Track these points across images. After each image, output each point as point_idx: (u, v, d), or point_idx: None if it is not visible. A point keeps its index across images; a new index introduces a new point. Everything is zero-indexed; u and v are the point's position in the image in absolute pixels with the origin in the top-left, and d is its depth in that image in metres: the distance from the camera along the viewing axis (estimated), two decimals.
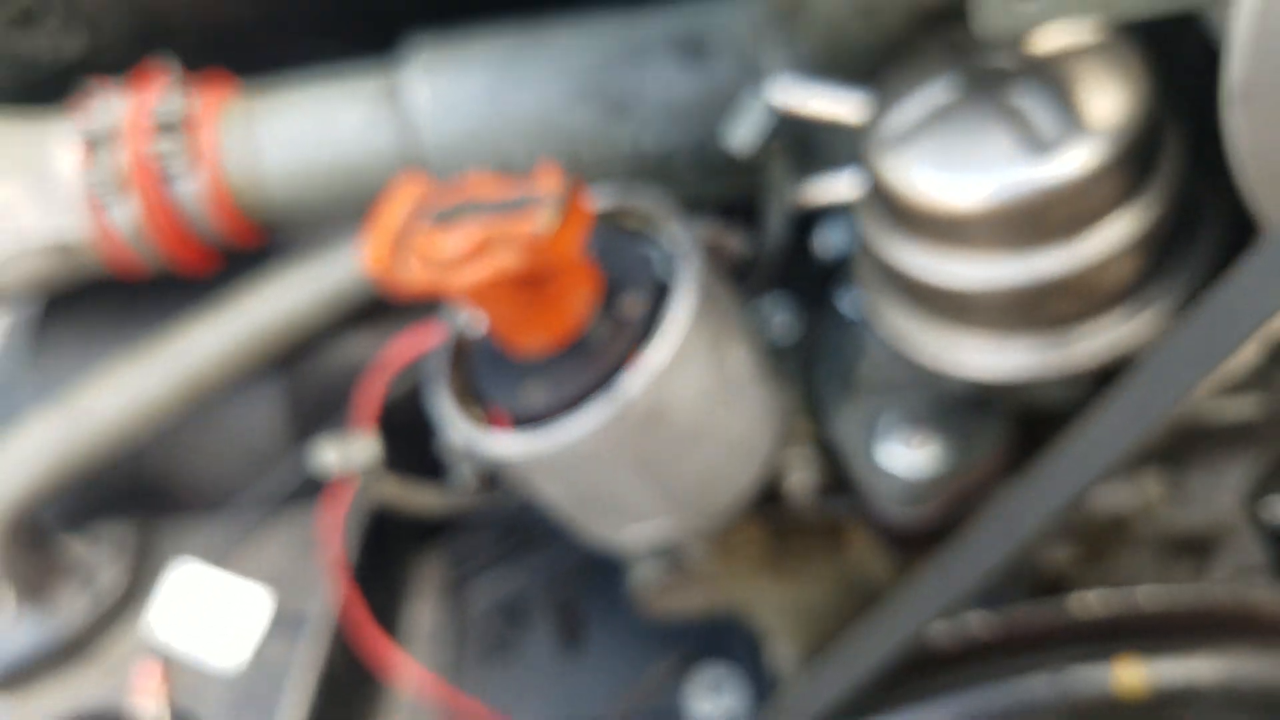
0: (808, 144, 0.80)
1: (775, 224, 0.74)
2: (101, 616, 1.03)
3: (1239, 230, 0.60)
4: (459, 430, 0.68)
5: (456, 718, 1.07)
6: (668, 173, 0.89)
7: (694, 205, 0.83)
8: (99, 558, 1.05)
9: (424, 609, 1.20)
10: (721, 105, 0.81)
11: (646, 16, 0.89)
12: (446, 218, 0.61)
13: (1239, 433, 0.84)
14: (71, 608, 1.02)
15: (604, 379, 0.64)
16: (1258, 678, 0.71)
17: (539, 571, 1.24)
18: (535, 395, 0.66)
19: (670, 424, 0.65)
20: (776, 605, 0.93)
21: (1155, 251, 0.60)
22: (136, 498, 1.13)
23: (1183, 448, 0.86)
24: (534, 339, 0.66)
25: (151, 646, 1.02)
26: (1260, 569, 1.11)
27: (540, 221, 0.57)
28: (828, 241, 0.85)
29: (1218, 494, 0.90)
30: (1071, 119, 0.56)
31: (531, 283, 0.61)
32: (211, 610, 1.03)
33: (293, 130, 0.87)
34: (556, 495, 0.71)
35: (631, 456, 0.66)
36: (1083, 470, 0.54)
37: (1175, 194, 0.59)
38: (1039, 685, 0.70)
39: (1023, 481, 0.58)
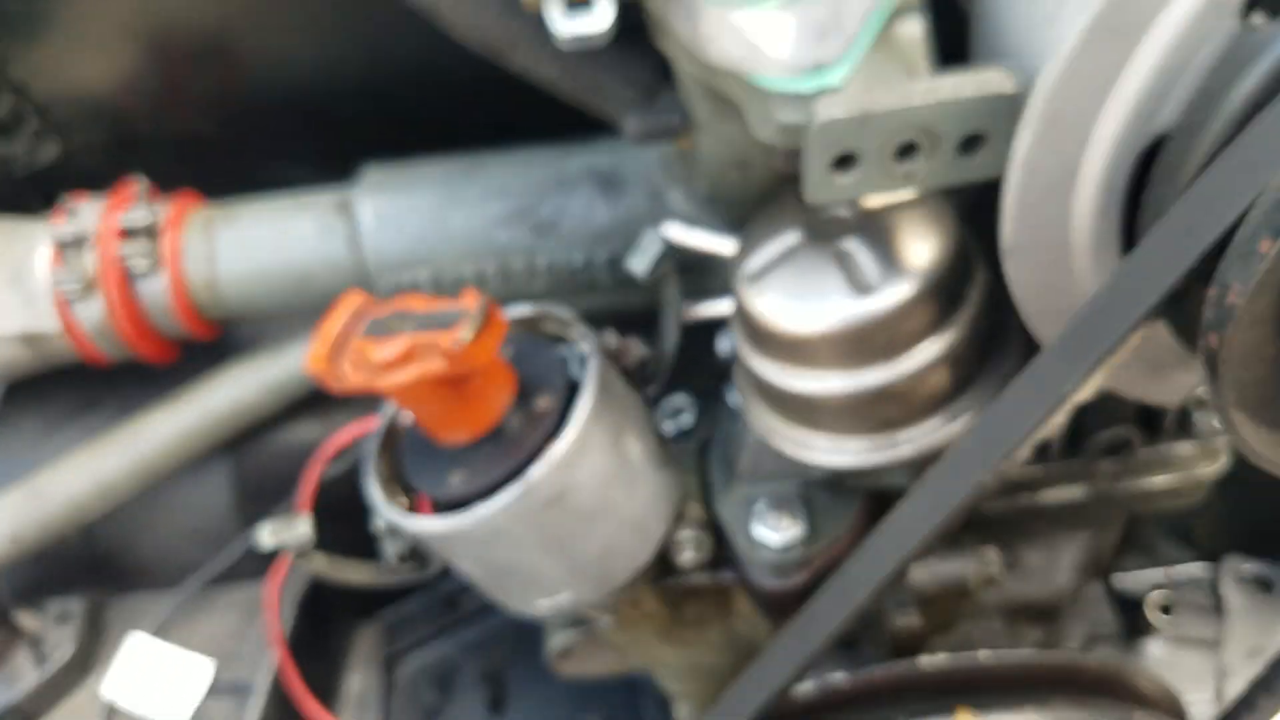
0: (703, 269, 0.95)
1: (669, 333, 0.87)
2: (51, 685, 1.10)
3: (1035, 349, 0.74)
4: (384, 511, 0.79)
5: None
6: (588, 286, 1.03)
7: (612, 316, 0.97)
8: (50, 630, 1.13)
9: (360, 679, 1.29)
10: (634, 229, 0.94)
11: (572, 152, 1.03)
12: (380, 327, 0.73)
13: (1071, 515, 0.98)
14: (23, 677, 1.10)
15: (516, 467, 0.76)
16: None
17: (469, 644, 1.34)
18: (455, 481, 0.78)
19: (573, 506, 0.77)
20: (676, 669, 1.05)
21: (963, 368, 0.74)
22: (89, 574, 1.22)
23: (1022, 527, 1.00)
24: (456, 432, 0.78)
25: (99, 713, 1.09)
26: (1111, 635, 1.26)
27: (459, 334, 0.69)
28: (725, 345, 0.99)
29: (1056, 568, 1.04)
30: (890, 262, 0.70)
31: (452, 384, 0.73)
32: (157, 678, 1.11)
33: (248, 238, 1.00)
34: (473, 570, 0.83)
35: (538, 535, 0.78)
36: (899, 546, 0.67)
37: (979, 322, 0.74)
38: None
39: (856, 555, 0.71)
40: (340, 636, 1.29)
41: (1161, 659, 1.32)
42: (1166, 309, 0.55)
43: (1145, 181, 0.59)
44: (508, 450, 0.77)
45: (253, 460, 1.18)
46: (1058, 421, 0.60)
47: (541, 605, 0.86)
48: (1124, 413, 0.92)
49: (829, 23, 0.60)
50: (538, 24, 0.82)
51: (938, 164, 0.61)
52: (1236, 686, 1.09)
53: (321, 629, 1.24)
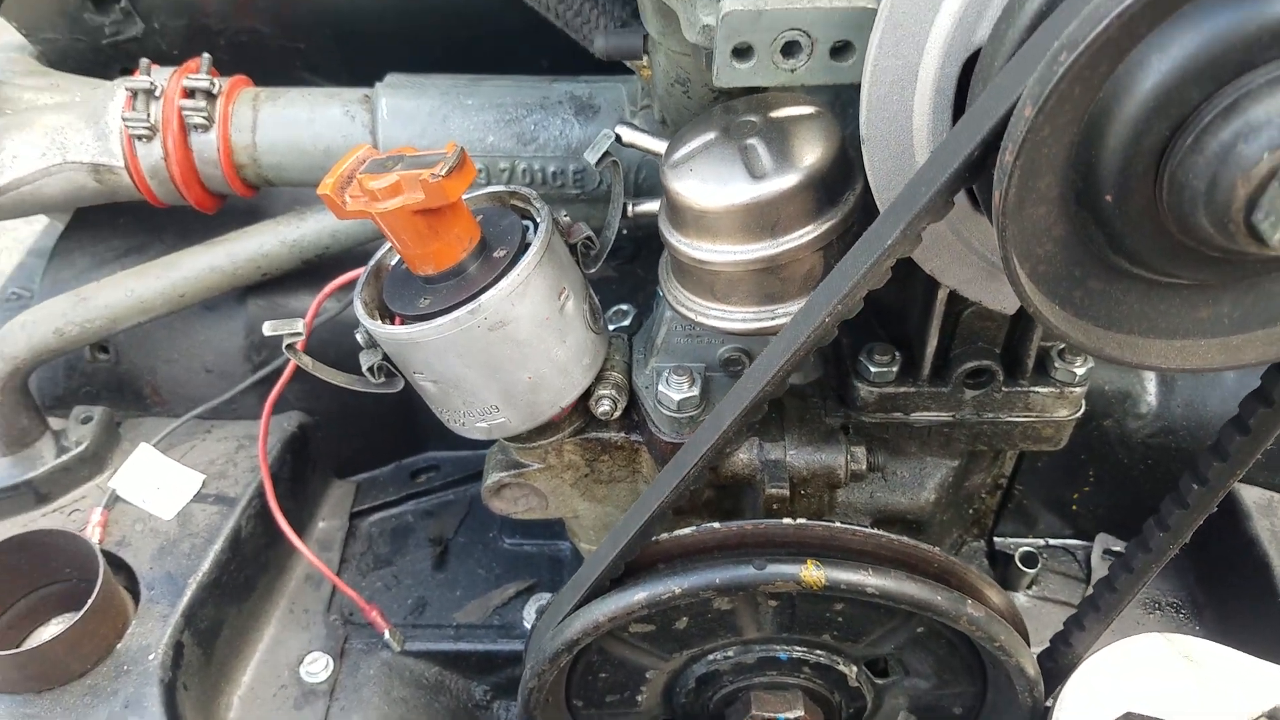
0: (653, 186, 1.07)
1: (611, 220, 0.99)
2: (65, 471, 1.22)
3: None
4: (363, 320, 0.91)
5: (338, 591, 1.27)
6: (558, 194, 1.16)
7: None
8: (73, 428, 1.25)
9: (326, 524, 1.40)
10: None
11: (557, 81, 1.16)
12: (378, 166, 0.85)
13: (939, 439, 1.08)
14: (42, 460, 1.21)
15: (472, 296, 0.88)
16: (903, 591, 0.94)
17: (423, 512, 1.46)
18: (423, 303, 0.90)
19: (511, 334, 0.89)
20: (589, 524, 1.15)
21: (834, 257, 0.85)
22: (112, 394, 1.34)
23: (896, 444, 1.10)
24: (427, 264, 0.90)
25: (102, 502, 1.21)
26: None
27: (437, 171, 0.81)
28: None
29: (922, 485, 1.14)
30: (783, 158, 0.82)
31: (428, 216, 0.85)
32: (155, 482, 1.23)
33: (285, 115, 1.13)
34: (426, 385, 0.94)
35: (481, 355, 0.90)
36: (759, 380, 0.78)
37: (853, 221, 0.85)
38: (749, 569, 0.93)
39: (727, 395, 0.81)
40: (316, 486, 1.40)
41: (1027, 609, 1.41)
42: (970, 177, 0.66)
43: (968, 86, 0.70)
44: (468, 284, 0.89)
45: (263, 316, 1.30)
46: (884, 271, 0.70)
47: (479, 427, 0.97)
48: (988, 349, 1.03)
49: None
50: None
51: (815, 64, 0.73)
52: None
53: (301, 474, 1.35)
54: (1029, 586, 1.38)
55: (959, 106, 0.72)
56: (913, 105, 0.72)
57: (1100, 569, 1.44)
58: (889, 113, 0.72)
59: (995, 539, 1.47)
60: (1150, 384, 1.27)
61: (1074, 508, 1.39)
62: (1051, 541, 1.48)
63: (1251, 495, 1.26)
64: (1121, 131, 0.61)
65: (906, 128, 0.73)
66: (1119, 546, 1.42)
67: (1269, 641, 1.18)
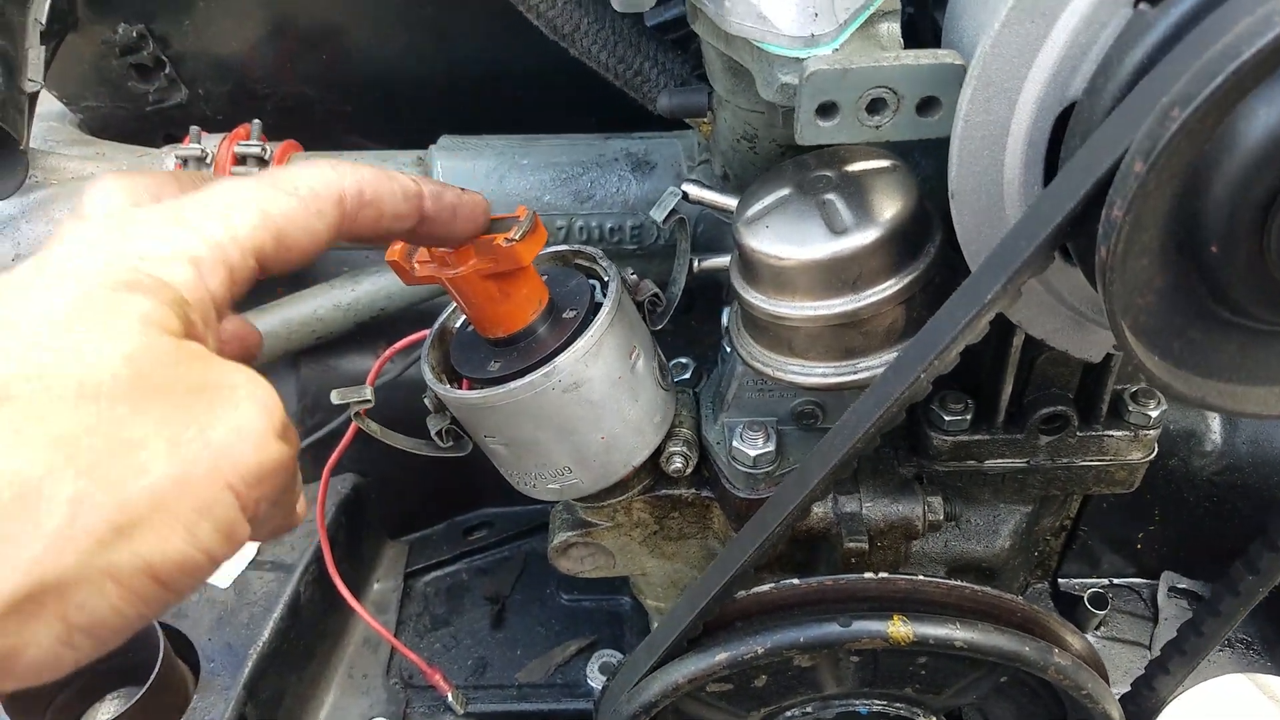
0: (711, 241, 1.07)
1: (678, 277, 0.99)
2: None
3: None
4: (432, 385, 0.91)
5: (397, 654, 1.25)
6: (615, 250, 1.15)
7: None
8: None
9: (381, 586, 1.38)
10: None
11: (613, 138, 1.16)
12: None
13: (1013, 486, 1.07)
14: None
15: (544, 358, 0.87)
16: (991, 644, 0.93)
17: (478, 570, 1.44)
18: (494, 367, 0.89)
19: (585, 396, 0.88)
20: (658, 582, 1.14)
21: (917, 310, 0.85)
22: None
23: (969, 491, 1.09)
24: (497, 327, 0.89)
25: None
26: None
27: (512, 235, 0.81)
28: (725, 318, 1.10)
29: (997, 532, 1.12)
30: (863, 212, 0.82)
31: (499, 280, 0.85)
32: None
33: None
34: (497, 447, 0.93)
35: (555, 417, 0.89)
36: (847, 439, 0.77)
37: (934, 273, 0.84)
38: (834, 627, 0.92)
39: (811, 453, 0.80)
40: (371, 548, 1.39)
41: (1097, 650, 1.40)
42: (1072, 231, 0.65)
43: (1061, 141, 0.70)
44: (538, 347, 0.88)
45: (316, 380, 1.30)
46: (982, 326, 0.70)
47: (550, 489, 0.96)
48: (1063, 395, 1.02)
49: (823, 7, 0.73)
50: (596, 15, 0.95)
51: (901, 120, 0.73)
52: None
53: (356, 537, 1.34)
54: (1097, 627, 1.36)
55: (1050, 161, 0.71)
56: (1004, 160, 0.71)
57: (1166, 606, 1.42)
58: (979, 168, 0.72)
59: (1059, 580, 1.46)
60: (1215, 422, 1.27)
61: (1139, 546, 1.37)
62: (1115, 580, 1.47)
63: None
64: (1228, 183, 0.60)
65: (997, 182, 0.73)
66: (1184, 584, 1.40)
67: None
